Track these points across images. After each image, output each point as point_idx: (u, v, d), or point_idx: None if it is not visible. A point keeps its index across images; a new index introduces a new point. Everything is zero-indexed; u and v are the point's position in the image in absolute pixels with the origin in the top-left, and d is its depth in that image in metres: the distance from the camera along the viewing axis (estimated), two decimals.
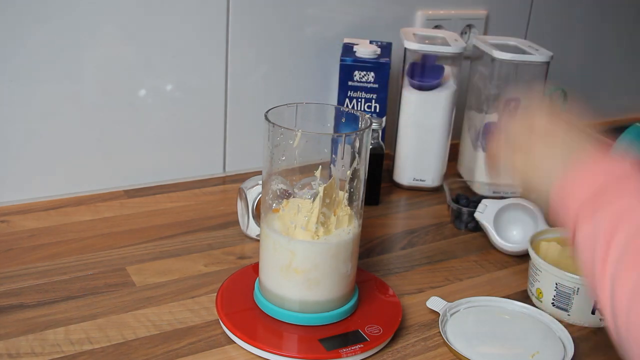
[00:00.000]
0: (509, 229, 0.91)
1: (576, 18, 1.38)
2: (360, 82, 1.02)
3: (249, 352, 0.67)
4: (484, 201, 0.92)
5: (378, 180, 1.01)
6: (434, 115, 1.05)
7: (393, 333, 0.70)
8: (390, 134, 1.10)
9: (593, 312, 0.76)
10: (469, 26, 1.23)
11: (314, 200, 0.67)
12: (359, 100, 1.04)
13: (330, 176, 0.67)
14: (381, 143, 1.00)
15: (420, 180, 1.08)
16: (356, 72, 1.02)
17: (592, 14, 1.40)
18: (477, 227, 0.94)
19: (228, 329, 0.68)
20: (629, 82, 1.55)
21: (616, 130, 1.04)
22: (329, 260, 0.67)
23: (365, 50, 1.02)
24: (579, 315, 0.77)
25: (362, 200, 0.70)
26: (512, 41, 1.10)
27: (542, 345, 0.71)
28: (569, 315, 0.77)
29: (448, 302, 0.76)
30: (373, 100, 1.03)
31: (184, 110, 1.01)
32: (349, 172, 0.68)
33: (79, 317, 0.70)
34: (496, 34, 1.20)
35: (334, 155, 0.67)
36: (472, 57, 1.12)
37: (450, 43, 1.05)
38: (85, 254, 0.82)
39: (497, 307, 0.77)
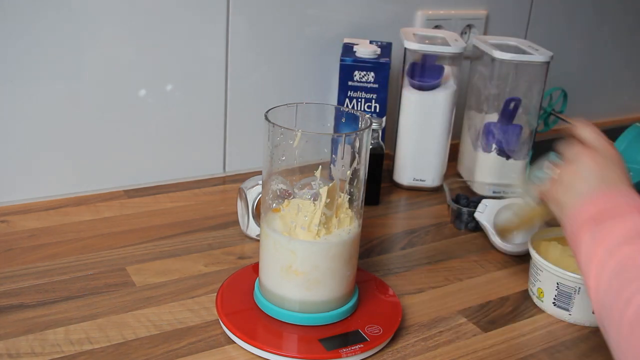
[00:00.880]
0: None
1: (576, 18, 1.38)
2: (360, 82, 1.02)
3: (249, 352, 0.67)
4: (484, 201, 0.92)
5: (378, 180, 1.01)
6: (434, 115, 1.04)
7: (393, 333, 0.70)
8: (390, 134, 1.10)
9: (594, 312, 0.76)
10: (469, 26, 1.23)
11: (315, 201, 0.67)
12: (359, 100, 1.04)
13: (331, 176, 0.67)
14: (381, 143, 1.00)
15: (420, 180, 1.08)
16: (356, 72, 1.02)
17: (592, 14, 1.40)
18: (477, 227, 0.94)
19: (228, 329, 0.68)
20: (629, 82, 1.55)
21: (616, 130, 1.05)
22: (329, 260, 0.67)
23: (365, 50, 1.02)
24: (581, 314, 0.77)
25: (362, 200, 0.70)
26: (512, 41, 1.09)
27: None
28: (570, 314, 0.77)
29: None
30: (373, 100, 1.03)
31: (184, 111, 1.01)
32: (349, 172, 0.68)
33: (79, 317, 0.70)
34: (496, 34, 1.20)
35: (334, 155, 0.67)
36: (472, 57, 1.12)
37: (450, 43, 1.05)
38: (85, 254, 0.82)
39: None
